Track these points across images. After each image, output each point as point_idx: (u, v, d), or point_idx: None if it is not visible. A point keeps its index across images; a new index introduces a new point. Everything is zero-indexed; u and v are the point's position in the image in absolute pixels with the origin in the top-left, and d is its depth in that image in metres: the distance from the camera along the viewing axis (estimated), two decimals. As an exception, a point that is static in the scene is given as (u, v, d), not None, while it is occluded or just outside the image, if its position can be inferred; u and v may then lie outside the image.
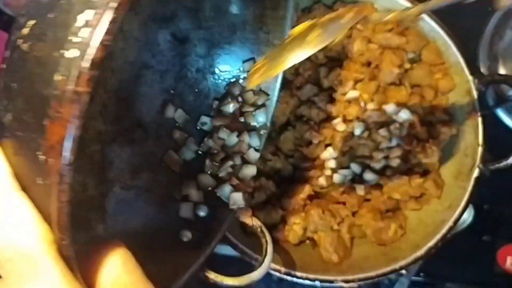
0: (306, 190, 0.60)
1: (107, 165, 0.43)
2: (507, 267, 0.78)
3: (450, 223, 0.57)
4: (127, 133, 0.45)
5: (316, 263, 0.59)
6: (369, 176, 0.61)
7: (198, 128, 0.51)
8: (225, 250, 0.80)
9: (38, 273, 0.24)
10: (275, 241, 0.60)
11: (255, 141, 0.49)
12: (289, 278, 0.55)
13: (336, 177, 0.62)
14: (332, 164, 0.62)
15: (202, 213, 0.45)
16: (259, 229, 0.47)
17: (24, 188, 0.26)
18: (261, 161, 0.61)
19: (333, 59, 0.64)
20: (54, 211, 0.24)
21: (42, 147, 0.24)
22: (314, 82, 0.63)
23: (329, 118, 0.62)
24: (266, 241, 0.45)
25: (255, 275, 0.43)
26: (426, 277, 0.77)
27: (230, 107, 0.49)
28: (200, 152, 0.50)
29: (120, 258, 0.28)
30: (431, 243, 0.57)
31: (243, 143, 0.48)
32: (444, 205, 0.59)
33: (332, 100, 0.63)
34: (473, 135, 0.59)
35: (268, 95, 0.49)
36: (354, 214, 0.62)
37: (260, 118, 0.49)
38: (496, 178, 0.78)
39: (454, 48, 0.59)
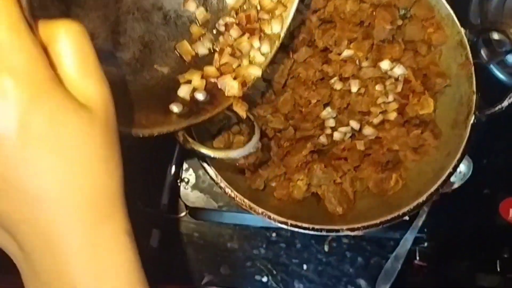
0: (308, 147, 0.62)
1: (121, 30, 0.46)
2: (510, 219, 0.80)
3: (449, 169, 0.59)
4: (145, 11, 0.48)
5: (322, 215, 0.60)
6: (368, 131, 0.63)
7: (216, 29, 0.53)
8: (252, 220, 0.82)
9: None
10: (278, 198, 0.62)
11: (265, 48, 0.49)
12: (295, 229, 0.57)
13: (336, 135, 0.64)
14: (331, 122, 0.64)
15: (200, 97, 0.47)
16: (250, 123, 0.48)
17: None
18: (262, 123, 0.63)
19: (327, 21, 0.65)
20: None
21: None
22: (309, 44, 0.65)
23: (325, 78, 0.64)
24: (254, 133, 0.47)
25: (232, 153, 0.44)
26: (429, 233, 0.79)
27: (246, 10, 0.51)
28: (212, 50, 0.52)
29: (76, 31, 0.28)
30: (432, 189, 0.58)
31: (252, 46, 0.49)
32: (443, 153, 0.61)
33: (328, 61, 0.64)
34: (467, 84, 0.60)
35: (286, 7, 0.50)
36: (356, 169, 0.64)
37: (275, 27, 0.50)
38: (493, 132, 0.80)
39: (444, 1, 0.61)
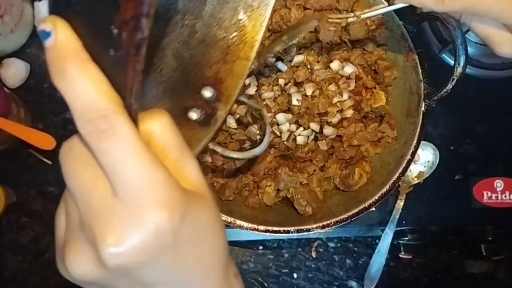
0: (272, 153, 0.63)
1: (155, 52, 0.47)
2: (485, 202, 0.81)
3: (408, 156, 0.60)
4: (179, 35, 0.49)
5: (293, 218, 0.62)
6: (328, 131, 0.65)
7: None
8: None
9: (116, 133, 0.26)
10: (250, 207, 0.64)
11: None
12: (267, 234, 0.58)
13: (300, 139, 0.66)
14: (292, 128, 0.66)
15: (207, 94, 0.48)
16: (257, 112, 0.52)
17: (93, 60, 0.27)
18: (226, 135, 0.65)
19: (275, 31, 0.68)
20: (129, 79, 0.26)
21: (116, 22, 0.25)
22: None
23: (280, 85, 0.66)
24: (265, 123, 0.50)
25: (257, 150, 0.48)
26: (410, 225, 0.81)
27: None
28: None
29: (166, 122, 0.30)
30: (394, 177, 0.60)
31: None
32: (401, 142, 0.63)
33: (280, 70, 0.67)
34: (414, 74, 0.63)
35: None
36: (322, 169, 0.65)
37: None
38: (456, 120, 0.82)
39: (381, -2, 0.64)
